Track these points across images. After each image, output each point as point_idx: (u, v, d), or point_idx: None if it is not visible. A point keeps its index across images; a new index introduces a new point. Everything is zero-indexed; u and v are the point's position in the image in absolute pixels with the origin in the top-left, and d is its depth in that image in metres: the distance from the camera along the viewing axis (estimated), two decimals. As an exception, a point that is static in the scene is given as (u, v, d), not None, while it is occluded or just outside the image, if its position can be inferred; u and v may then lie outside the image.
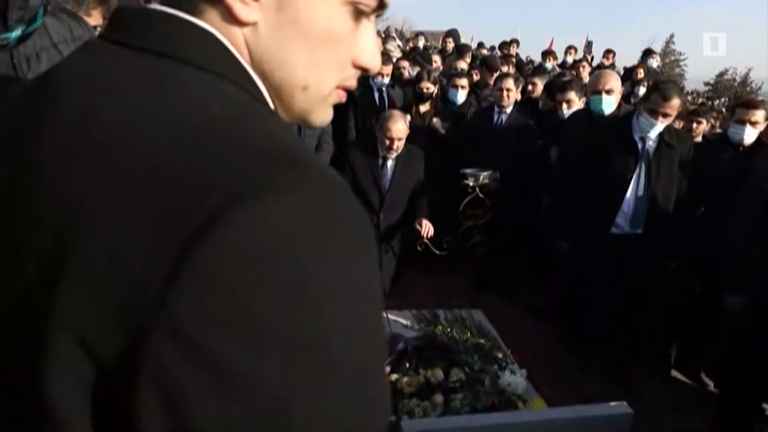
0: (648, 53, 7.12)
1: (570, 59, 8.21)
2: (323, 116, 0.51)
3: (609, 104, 3.12)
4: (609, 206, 2.74)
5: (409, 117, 3.71)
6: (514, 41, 8.27)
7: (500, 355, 2.71)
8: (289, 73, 0.46)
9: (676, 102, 2.56)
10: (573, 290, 3.18)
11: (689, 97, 14.25)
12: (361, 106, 4.03)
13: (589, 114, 3.27)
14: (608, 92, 3.12)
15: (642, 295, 2.80)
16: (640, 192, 2.70)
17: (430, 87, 3.82)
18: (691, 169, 3.08)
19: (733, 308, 2.48)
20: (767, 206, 2.43)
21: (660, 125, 2.60)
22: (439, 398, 2.14)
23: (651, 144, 2.71)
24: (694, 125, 3.67)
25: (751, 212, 2.52)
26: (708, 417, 2.66)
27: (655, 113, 2.57)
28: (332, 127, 4.14)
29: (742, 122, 2.84)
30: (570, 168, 3.02)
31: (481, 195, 3.23)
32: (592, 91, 3.25)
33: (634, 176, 2.70)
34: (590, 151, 2.86)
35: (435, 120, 3.85)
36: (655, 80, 4.22)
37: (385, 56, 4.38)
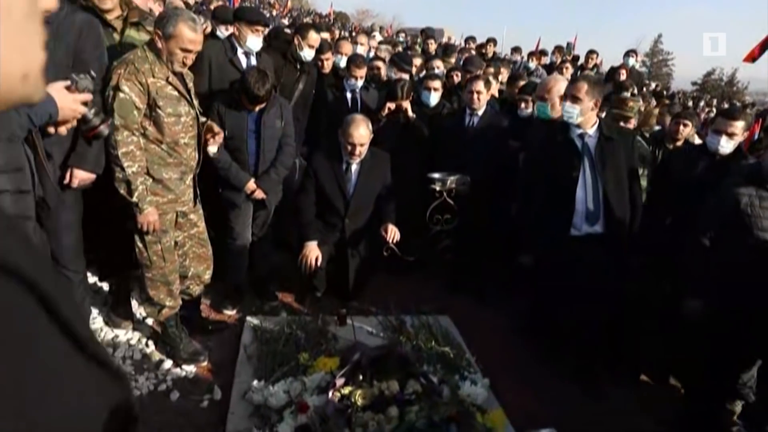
0: (628, 54, 7.15)
1: (557, 60, 8.20)
2: (42, 92, 0.43)
3: (544, 110, 3.18)
4: (564, 208, 2.75)
5: (387, 110, 3.61)
6: (491, 41, 8.22)
7: (464, 364, 2.67)
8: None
9: (581, 85, 2.71)
10: (541, 296, 3.14)
11: (677, 98, 14.21)
12: (333, 108, 3.95)
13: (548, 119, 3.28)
14: (543, 99, 3.17)
15: (610, 297, 2.77)
16: (590, 188, 2.75)
17: (404, 106, 3.66)
18: (667, 172, 3.09)
19: (693, 311, 2.48)
20: (733, 213, 2.42)
21: (570, 108, 2.70)
22: (394, 411, 2.09)
23: (590, 140, 2.77)
24: (681, 127, 3.65)
25: (718, 218, 2.51)
26: (665, 418, 2.66)
27: (566, 96, 2.76)
28: (305, 131, 4.07)
29: (719, 132, 2.85)
30: (529, 175, 3.04)
31: (448, 200, 3.17)
32: (536, 96, 3.34)
33: (581, 173, 2.74)
34: (541, 155, 2.92)
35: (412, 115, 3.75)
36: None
37: (360, 58, 4.29)
